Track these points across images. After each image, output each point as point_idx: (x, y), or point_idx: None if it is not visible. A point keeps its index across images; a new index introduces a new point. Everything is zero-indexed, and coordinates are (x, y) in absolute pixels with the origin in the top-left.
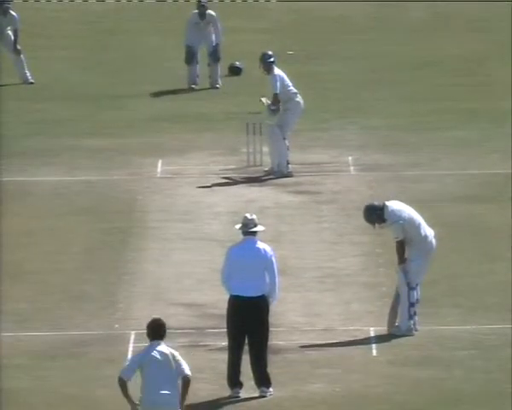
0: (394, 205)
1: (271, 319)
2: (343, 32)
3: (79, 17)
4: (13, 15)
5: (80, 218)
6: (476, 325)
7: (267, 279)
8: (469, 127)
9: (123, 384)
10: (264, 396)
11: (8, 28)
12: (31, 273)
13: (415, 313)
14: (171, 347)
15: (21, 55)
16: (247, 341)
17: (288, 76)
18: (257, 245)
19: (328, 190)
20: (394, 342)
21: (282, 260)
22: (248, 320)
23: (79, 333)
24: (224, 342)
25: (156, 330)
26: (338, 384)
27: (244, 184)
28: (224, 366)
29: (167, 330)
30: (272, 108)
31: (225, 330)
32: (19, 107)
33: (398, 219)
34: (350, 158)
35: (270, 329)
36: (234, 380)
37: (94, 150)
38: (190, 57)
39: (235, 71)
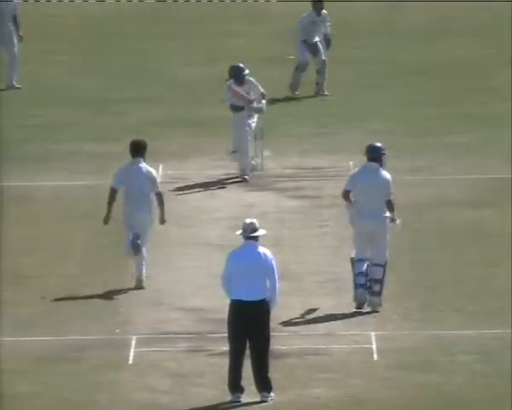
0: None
1: (272, 323)
2: (343, 36)
3: (79, 21)
4: (13, 2)
5: (80, 222)
6: (477, 329)
7: (268, 284)
8: (470, 132)
9: (113, 193)
10: (265, 401)
11: (10, 24)
12: (31, 278)
13: (359, 284)
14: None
15: (16, 54)
16: (248, 345)
17: (288, 80)
18: (257, 250)
19: (328, 195)
20: (395, 346)
21: (283, 264)
22: (249, 325)
23: (80, 338)
24: (225, 347)
25: (136, 148)
26: (339, 389)
27: (245, 189)
28: (224, 371)
29: (171, 335)
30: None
31: (226, 334)
32: (19, 111)
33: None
34: (351, 163)
35: (271, 333)
36: (235, 385)
37: (94, 155)
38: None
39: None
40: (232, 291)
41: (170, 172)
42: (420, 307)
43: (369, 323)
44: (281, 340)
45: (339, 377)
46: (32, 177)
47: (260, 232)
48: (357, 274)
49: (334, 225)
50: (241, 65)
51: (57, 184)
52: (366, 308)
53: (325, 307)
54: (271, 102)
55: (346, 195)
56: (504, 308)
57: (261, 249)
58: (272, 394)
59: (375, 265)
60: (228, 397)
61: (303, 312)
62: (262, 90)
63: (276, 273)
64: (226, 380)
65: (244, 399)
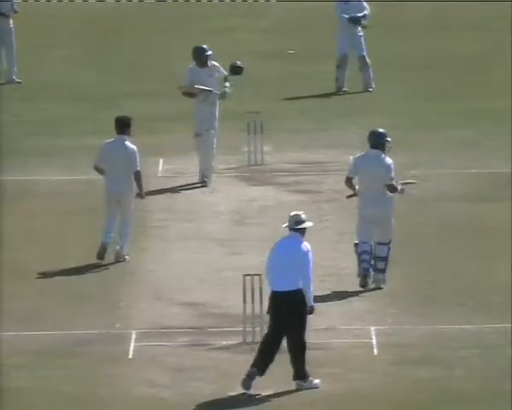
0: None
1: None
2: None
3: (79, 16)
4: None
5: (81, 217)
6: (477, 324)
7: (302, 276)
8: (470, 127)
9: (98, 171)
10: (299, 389)
11: (11, 23)
12: (32, 272)
13: (365, 269)
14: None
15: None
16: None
17: (288, 75)
18: (296, 242)
19: (329, 190)
20: (395, 341)
21: None
22: (283, 314)
23: (80, 332)
24: (225, 341)
25: (119, 124)
26: (339, 383)
27: (245, 184)
28: (224, 365)
29: (171, 330)
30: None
31: (225, 329)
32: (19, 106)
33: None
34: (351, 157)
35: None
36: (257, 364)
37: (94, 150)
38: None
39: (235, 70)
40: (270, 281)
41: (170, 166)
42: (420, 301)
43: (369, 317)
44: None
45: (339, 371)
46: (32, 171)
47: (305, 225)
48: (361, 253)
49: (334, 219)
50: (204, 46)
51: (57, 179)
52: (371, 285)
53: (325, 301)
54: (272, 97)
55: (348, 182)
56: (505, 303)
57: (300, 242)
58: (306, 382)
59: (380, 243)
60: (228, 391)
61: None
62: (225, 73)
63: (309, 268)
64: (226, 374)
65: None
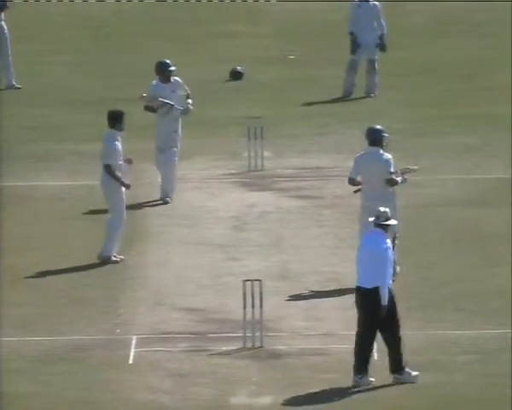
0: None
1: (272, 323)
2: (343, 35)
3: (79, 21)
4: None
5: (81, 222)
6: (477, 329)
7: (383, 271)
8: (470, 132)
9: (111, 168)
10: (397, 383)
11: (4, 27)
12: (32, 278)
13: None
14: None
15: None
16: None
17: (288, 80)
18: (377, 238)
19: (329, 195)
20: None
21: (283, 264)
22: (364, 311)
23: (81, 338)
24: (225, 347)
25: (113, 117)
26: (339, 389)
27: (245, 189)
28: (225, 371)
29: (171, 335)
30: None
31: (226, 334)
32: (19, 111)
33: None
34: (351, 163)
35: (270, 333)
36: (355, 366)
37: (95, 155)
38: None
39: (236, 75)
40: (357, 277)
41: None
42: (420, 306)
43: None
44: (281, 340)
45: (339, 377)
46: (32, 177)
47: (390, 222)
48: None
49: (334, 225)
50: (168, 61)
51: (58, 184)
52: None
53: (325, 306)
54: (272, 102)
55: (351, 182)
56: (504, 308)
57: (384, 238)
58: (402, 375)
59: None
60: (228, 397)
61: (303, 312)
62: (188, 90)
63: (387, 266)
64: (226, 380)
65: (240, 399)
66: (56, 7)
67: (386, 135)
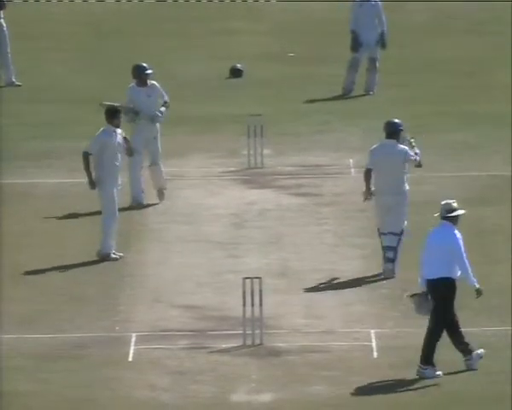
0: None
1: (271, 321)
2: (344, 33)
3: (79, 19)
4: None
5: (81, 220)
6: (478, 327)
7: (454, 263)
8: (470, 130)
9: (86, 158)
10: (420, 376)
11: (4, 27)
12: (31, 275)
13: (388, 259)
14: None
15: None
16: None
17: (288, 78)
18: (447, 230)
19: (328, 193)
20: (395, 344)
21: (283, 262)
22: (438, 301)
23: (80, 335)
24: (225, 344)
25: (108, 113)
26: (339, 387)
27: (244, 187)
28: (224, 368)
29: (171, 333)
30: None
31: (225, 332)
32: (19, 109)
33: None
34: (351, 160)
35: (270, 331)
36: (423, 357)
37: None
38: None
39: (235, 73)
40: (424, 272)
41: (170, 169)
42: None
43: (369, 320)
44: (281, 337)
45: (339, 374)
46: (32, 174)
47: (457, 212)
48: (385, 248)
49: (333, 222)
50: (144, 64)
51: (57, 182)
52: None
53: (325, 304)
54: (272, 99)
55: (367, 174)
56: (505, 305)
57: (451, 230)
58: (426, 370)
59: (390, 233)
60: (227, 394)
61: (303, 309)
62: (166, 98)
63: (462, 254)
64: (226, 377)
65: (240, 397)
66: (56, 6)
67: (402, 128)
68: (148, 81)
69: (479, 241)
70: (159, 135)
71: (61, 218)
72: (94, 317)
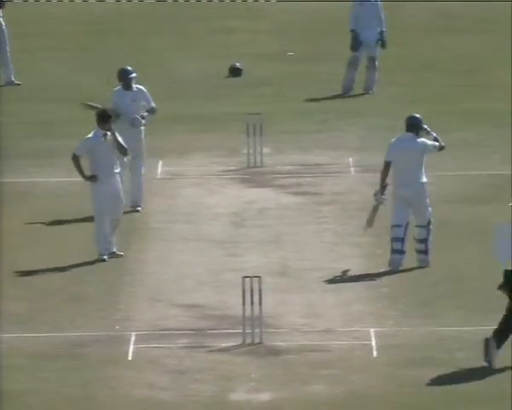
0: None
1: (271, 319)
2: (343, 32)
3: (79, 18)
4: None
5: (81, 219)
6: (477, 325)
7: None
8: (469, 128)
9: (75, 159)
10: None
11: (3, 26)
12: (31, 274)
13: (395, 250)
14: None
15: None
16: None
17: (287, 76)
18: None
19: (328, 192)
20: (395, 343)
21: (283, 261)
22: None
23: (80, 334)
24: (224, 343)
25: (102, 118)
26: (338, 386)
27: (244, 185)
28: (224, 367)
29: (170, 332)
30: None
31: (225, 331)
32: (19, 108)
33: None
34: (350, 159)
35: (270, 330)
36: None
37: None
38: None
39: (235, 72)
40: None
41: (169, 168)
42: (420, 303)
43: (368, 319)
44: (280, 336)
45: (338, 373)
46: (32, 173)
47: None
48: (393, 239)
49: (333, 221)
50: (129, 68)
51: (57, 181)
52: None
53: (324, 303)
54: (271, 98)
55: (386, 166)
56: (504, 305)
57: None
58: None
59: (418, 226)
60: (228, 393)
61: (302, 308)
62: (153, 104)
63: None
64: (226, 377)
65: (239, 396)
66: (56, 6)
67: (423, 124)
68: (136, 86)
69: (479, 240)
70: (143, 143)
71: (61, 217)
72: (93, 316)
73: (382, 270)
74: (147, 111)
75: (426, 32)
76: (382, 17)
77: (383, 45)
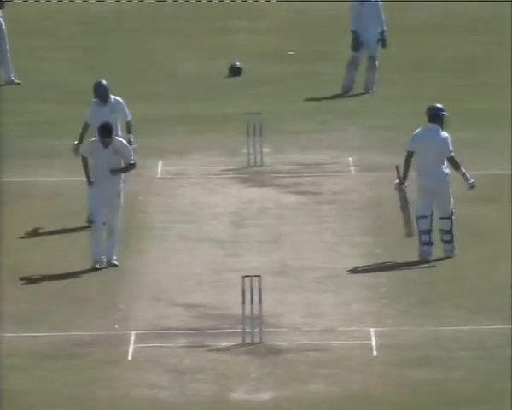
0: None
1: (271, 319)
2: (343, 32)
3: (79, 18)
4: None
5: (80, 219)
6: (477, 325)
7: None
8: (470, 128)
9: (83, 160)
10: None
11: (3, 25)
12: (31, 274)
13: (424, 243)
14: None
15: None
16: None
17: (287, 76)
18: None
19: (328, 191)
20: (395, 343)
21: (282, 260)
22: None
23: (80, 334)
24: (224, 343)
25: (105, 130)
26: (338, 385)
27: (244, 185)
28: (224, 367)
29: (170, 331)
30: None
31: (225, 330)
32: (19, 107)
33: None
34: (350, 159)
35: (270, 329)
36: None
37: None
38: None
39: (235, 71)
40: None
41: (169, 168)
42: (419, 303)
43: (368, 319)
44: (280, 336)
45: (338, 372)
46: (31, 173)
47: None
48: (421, 232)
49: (333, 221)
50: (103, 81)
51: (57, 180)
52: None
53: (324, 303)
54: (271, 98)
55: (409, 156)
56: (504, 304)
57: None
58: None
59: (442, 218)
60: (227, 393)
61: (302, 308)
62: (129, 117)
63: None
64: (226, 376)
65: (239, 395)
66: (56, 5)
67: (446, 114)
68: (114, 97)
69: (479, 239)
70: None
71: (60, 216)
72: (93, 315)
73: (382, 269)
74: (127, 129)
75: (426, 32)
76: (383, 17)
77: (384, 45)
